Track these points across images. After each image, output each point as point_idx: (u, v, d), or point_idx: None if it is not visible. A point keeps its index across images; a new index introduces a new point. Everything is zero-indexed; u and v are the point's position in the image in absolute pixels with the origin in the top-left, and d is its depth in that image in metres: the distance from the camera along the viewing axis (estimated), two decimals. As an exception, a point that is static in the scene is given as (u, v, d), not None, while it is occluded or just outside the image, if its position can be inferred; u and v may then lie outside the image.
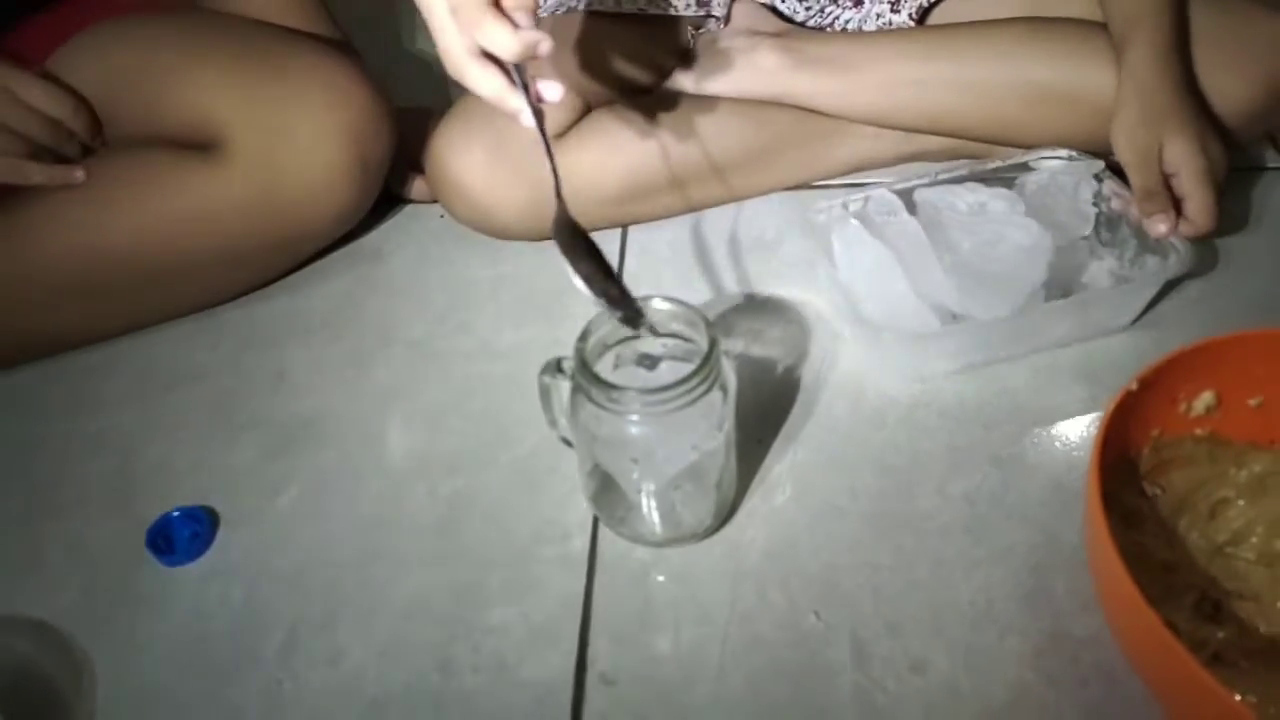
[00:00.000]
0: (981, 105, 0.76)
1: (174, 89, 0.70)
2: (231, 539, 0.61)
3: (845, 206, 0.71)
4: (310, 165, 0.70)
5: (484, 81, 0.52)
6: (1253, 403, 0.54)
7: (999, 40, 0.75)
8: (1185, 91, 0.68)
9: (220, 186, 0.68)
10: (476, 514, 0.61)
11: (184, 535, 0.60)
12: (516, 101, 0.52)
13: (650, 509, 0.57)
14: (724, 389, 0.53)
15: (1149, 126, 0.66)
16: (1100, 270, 0.67)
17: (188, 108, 0.69)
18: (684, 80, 0.81)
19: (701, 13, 0.82)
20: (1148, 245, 0.66)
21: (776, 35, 0.81)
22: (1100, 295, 0.65)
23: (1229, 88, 0.70)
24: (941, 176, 0.72)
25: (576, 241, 0.54)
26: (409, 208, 0.84)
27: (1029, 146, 0.77)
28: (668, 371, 0.55)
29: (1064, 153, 0.72)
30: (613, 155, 0.78)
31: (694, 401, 0.51)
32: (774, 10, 0.85)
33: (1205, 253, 0.72)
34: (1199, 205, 0.64)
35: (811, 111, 0.80)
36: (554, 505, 0.61)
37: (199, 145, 0.69)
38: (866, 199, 0.70)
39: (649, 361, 0.56)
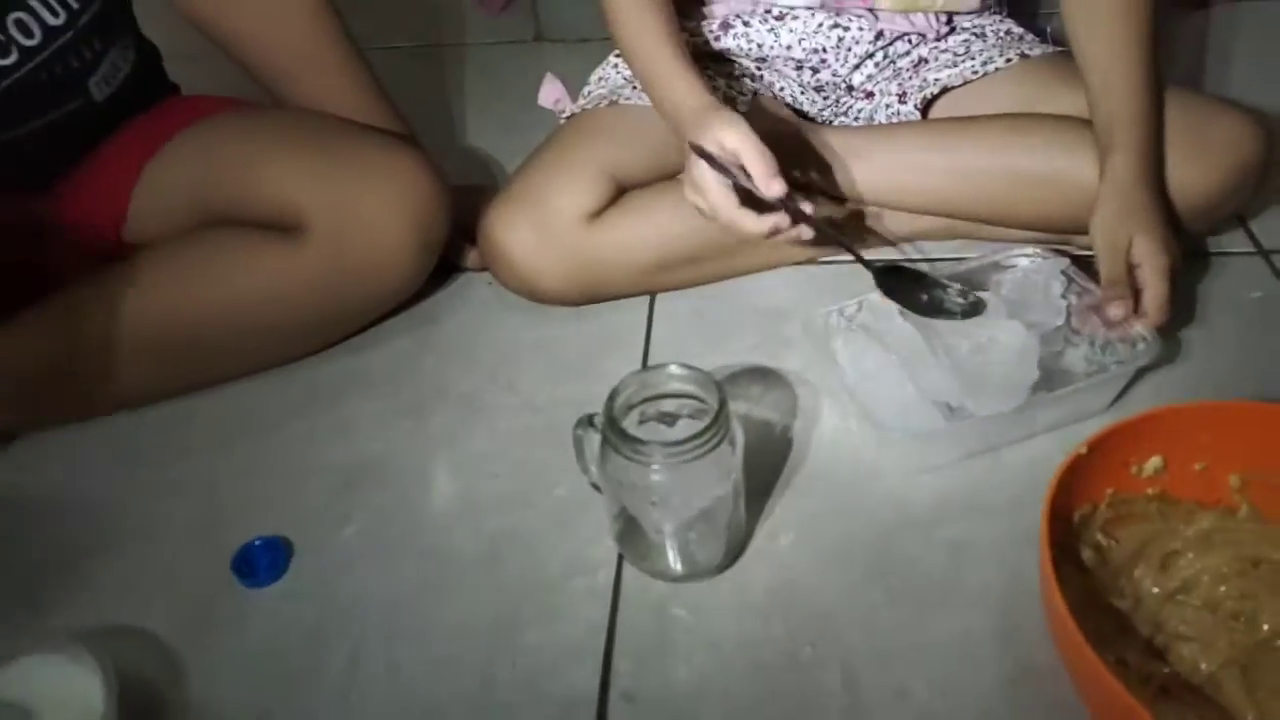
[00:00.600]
0: (973, 189, 0.85)
1: (261, 179, 0.79)
2: (304, 566, 0.70)
3: (842, 313, 0.78)
4: (378, 245, 0.79)
5: (761, 226, 0.72)
6: (1197, 467, 0.61)
7: (988, 133, 0.84)
8: (1157, 193, 0.76)
9: (299, 264, 0.78)
10: (515, 549, 0.69)
11: (264, 562, 0.69)
12: (794, 233, 0.72)
13: (668, 548, 0.65)
14: (733, 443, 0.61)
15: (1123, 222, 0.74)
16: (1076, 357, 0.73)
17: (273, 195, 0.79)
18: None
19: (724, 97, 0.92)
20: (1115, 334, 0.73)
21: (791, 127, 0.91)
22: (1088, 386, 0.70)
23: (1192, 181, 0.78)
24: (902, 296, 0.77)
25: (903, 284, 0.75)
26: (463, 276, 0.94)
27: (1016, 226, 0.85)
28: (684, 427, 0.63)
29: (1031, 250, 0.80)
30: (645, 231, 0.86)
31: (707, 453, 0.59)
32: (790, 105, 0.94)
33: (1171, 342, 0.78)
34: (1155, 297, 0.71)
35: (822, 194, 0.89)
36: (584, 543, 0.69)
37: (281, 228, 0.78)
38: (861, 305, 0.77)
39: (668, 419, 0.64)
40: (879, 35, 0.91)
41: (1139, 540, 0.60)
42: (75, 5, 0.76)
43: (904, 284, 0.74)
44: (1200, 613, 0.58)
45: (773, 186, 0.69)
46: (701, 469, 0.59)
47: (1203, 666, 0.56)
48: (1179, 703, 0.55)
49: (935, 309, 0.73)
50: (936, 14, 0.91)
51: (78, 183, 0.83)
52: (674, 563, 0.65)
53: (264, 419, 0.82)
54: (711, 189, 0.72)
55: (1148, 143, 0.77)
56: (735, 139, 0.72)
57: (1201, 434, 0.60)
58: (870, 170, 0.86)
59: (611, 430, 0.60)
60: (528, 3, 1.36)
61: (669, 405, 0.64)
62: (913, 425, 0.70)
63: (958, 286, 0.74)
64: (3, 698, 0.57)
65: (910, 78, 0.91)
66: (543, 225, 0.83)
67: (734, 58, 0.94)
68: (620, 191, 0.87)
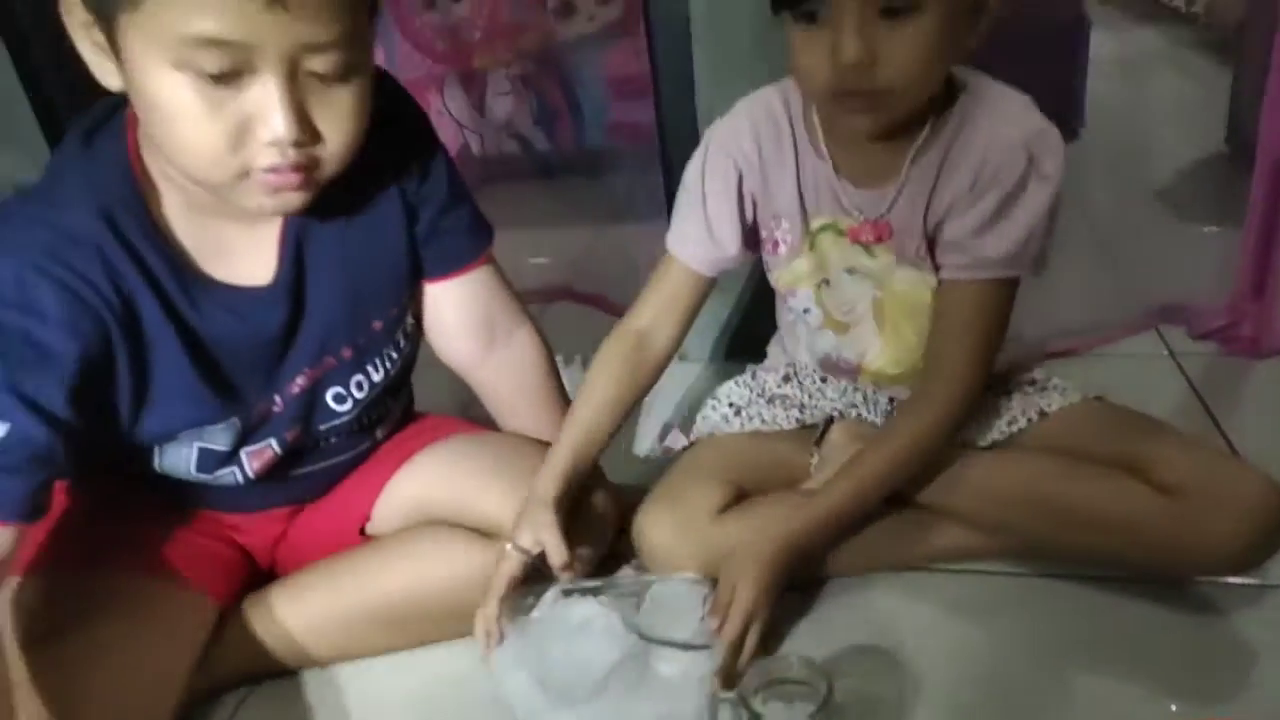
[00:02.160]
0: (1036, 511, 0.99)
1: (473, 497, 1.01)
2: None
3: (534, 597, 0.92)
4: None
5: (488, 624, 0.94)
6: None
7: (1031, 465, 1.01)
8: (786, 564, 0.94)
9: (489, 560, 0.95)
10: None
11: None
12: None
13: None
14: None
15: (738, 564, 0.92)
16: (698, 664, 0.86)
17: (480, 511, 1.00)
18: (812, 481, 1.10)
19: (799, 426, 1.14)
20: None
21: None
22: (658, 688, 0.86)
23: (1213, 534, 0.87)
24: (580, 585, 0.94)
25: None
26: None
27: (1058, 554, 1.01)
28: (800, 709, 0.79)
29: (689, 576, 0.96)
30: (763, 529, 1.02)
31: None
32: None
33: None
34: (728, 628, 0.90)
35: (912, 506, 1.06)
36: None
37: (483, 531, 0.99)
38: (534, 595, 0.92)
39: (787, 698, 0.80)
40: (891, 399, 1.11)
41: None
42: (389, 367, 1.01)
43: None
44: None
45: (564, 574, 0.94)
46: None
47: None
48: None
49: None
50: None
51: (331, 493, 1.07)
52: None
53: (443, 678, 1.00)
54: (503, 574, 0.93)
55: (809, 530, 0.96)
56: (548, 536, 0.94)
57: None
58: (942, 486, 1.03)
59: (743, 707, 0.77)
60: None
61: (788, 688, 0.80)
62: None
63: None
64: None
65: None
66: (680, 520, 1.03)
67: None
68: (740, 495, 1.07)
